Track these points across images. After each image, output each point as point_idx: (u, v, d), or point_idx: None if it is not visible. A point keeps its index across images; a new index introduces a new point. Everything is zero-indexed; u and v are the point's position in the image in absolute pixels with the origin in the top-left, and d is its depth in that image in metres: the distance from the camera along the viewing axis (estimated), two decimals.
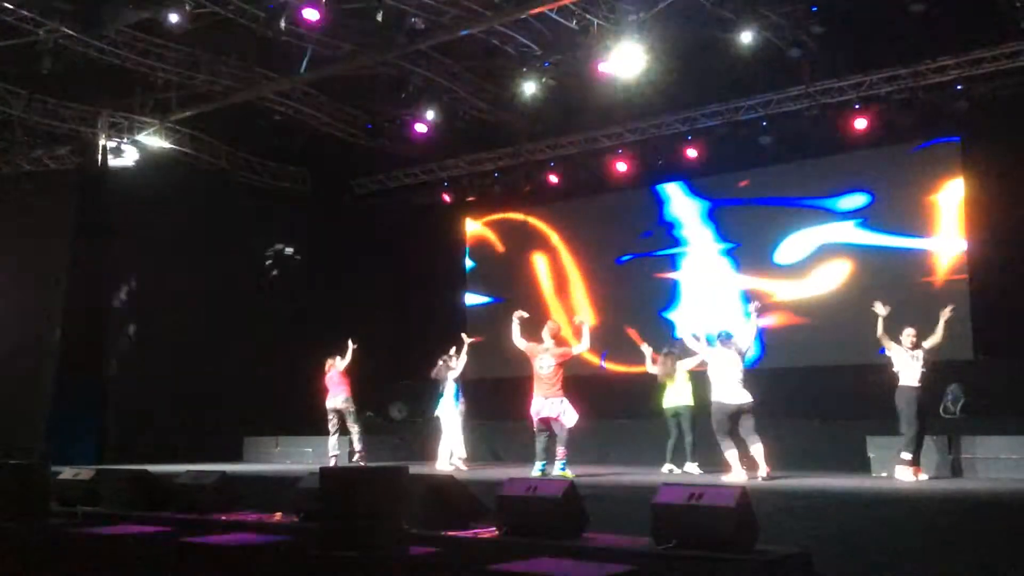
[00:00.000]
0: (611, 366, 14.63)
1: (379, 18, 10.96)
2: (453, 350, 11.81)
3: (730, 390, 9.46)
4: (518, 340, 10.04)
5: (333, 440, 12.10)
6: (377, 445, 12.63)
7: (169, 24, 11.48)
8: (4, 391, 13.63)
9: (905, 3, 10.44)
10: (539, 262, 15.75)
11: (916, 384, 9.26)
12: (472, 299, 16.44)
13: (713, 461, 10.21)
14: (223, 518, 7.25)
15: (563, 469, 9.61)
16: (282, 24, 10.85)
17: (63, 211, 14.41)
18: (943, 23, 10.99)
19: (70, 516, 7.90)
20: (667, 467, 10.47)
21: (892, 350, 9.38)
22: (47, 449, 12.89)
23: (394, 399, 15.39)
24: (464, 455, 11.65)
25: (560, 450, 9.72)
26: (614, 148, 14.26)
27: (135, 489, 8.30)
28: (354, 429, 12.07)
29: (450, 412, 11.62)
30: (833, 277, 12.95)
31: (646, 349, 10.90)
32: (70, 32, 11.71)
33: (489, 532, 6.00)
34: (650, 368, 10.82)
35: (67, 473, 8.92)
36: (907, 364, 9.31)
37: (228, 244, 15.08)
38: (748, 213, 13.74)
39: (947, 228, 12.24)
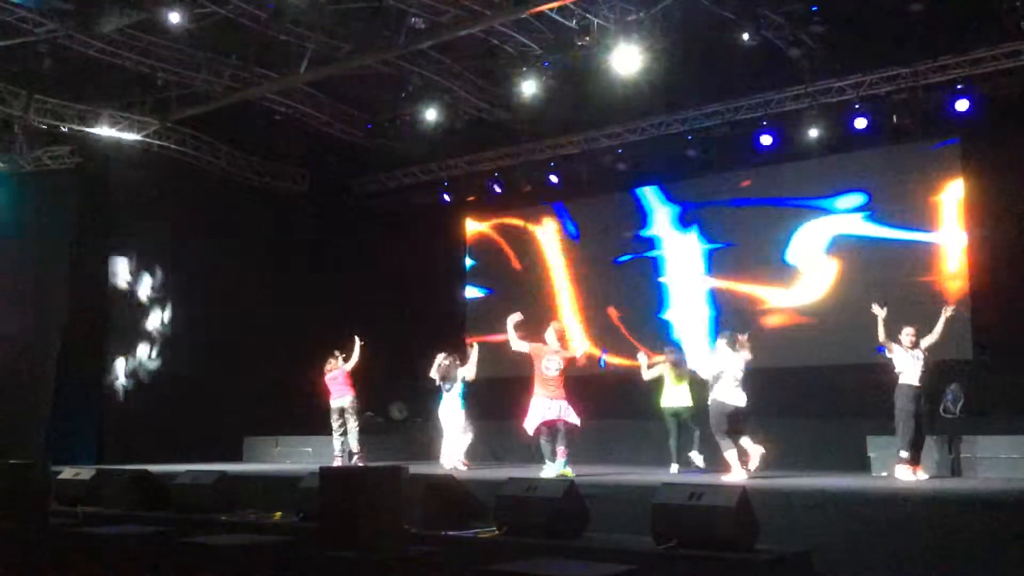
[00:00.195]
0: (611, 360, 14.62)
1: (378, 6, 10.95)
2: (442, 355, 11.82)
3: (729, 391, 9.48)
4: (518, 344, 9.97)
5: (339, 441, 12.02)
6: (377, 445, 12.62)
7: (169, 24, 11.49)
8: (4, 391, 13.63)
9: (905, 3, 10.43)
10: (539, 262, 15.73)
11: (915, 383, 9.27)
12: (472, 299, 16.43)
13: (712, 460, 10.23)
14: (223, 518, 7.27)
15: (565, 467, 9.62)
16: None
17: (64, 211, 14.41)
18: (943, 23, 10.97)
19: (70, 516, 7.91)
20: (675, 467, 10.44)
21: (893, 351, 9.40)
22: (47, 449, 12.90)
23: (394, 399, 15.39)
24: (462, 456, 11.66)
25: (561, 449, 9.71)
26: (614, 148, 14.25)
27: (135, 489, 8.32)
28: (354, 430, 12.05)
29: (455, 412, 11.62)
30: (832, 277, 12.94)
31: (642, 357, 10.89)
32: (70, 32, 11.71)
33: (489, 532, 6.01)
34: (646, 375, 10.82)
35: (67, 473, 8.94)
36: (907, 363, 9.34)
37: (228, 244, 15.08)
38: (749, 213, 13.71)
39: (947, 228, 12.22)
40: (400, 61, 12.74)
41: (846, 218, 12.90)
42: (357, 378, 12.19)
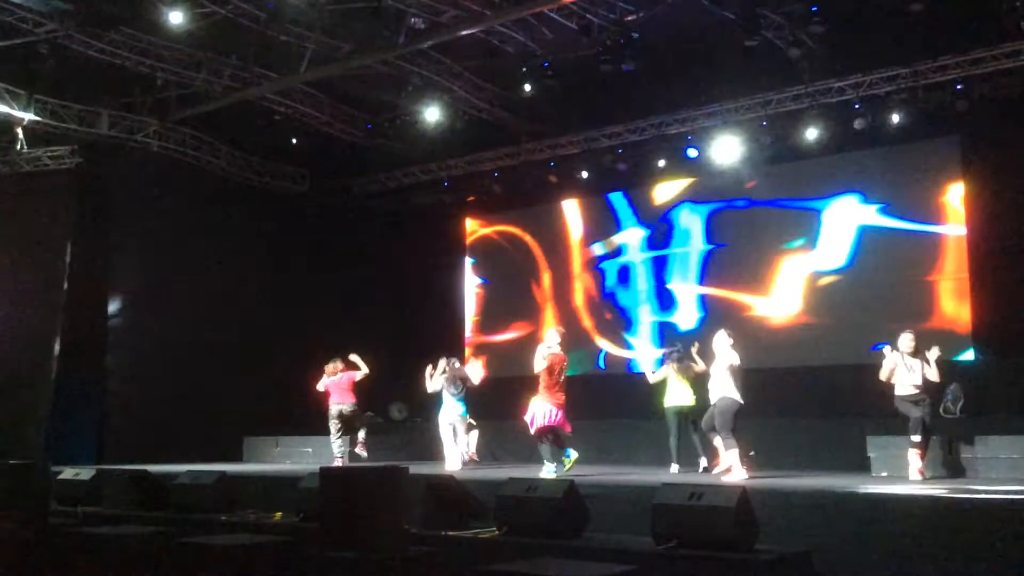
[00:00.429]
0: (610, 351, 14.64)
1: (378, 6, 10.95)
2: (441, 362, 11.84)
3: (737, 389, 9.49)
4: (541, 364, 9.98)
5: (339, 443, 12.00)
6: (377, 445, 12.62)
7: (169, 24, 11.49)
8: (4, 391, 13.62)
9: (905, 3, 10.43)
10: (539, 262, 15.74)
11: (907, 394, 9.22)
12: (472, 299, 16.44)
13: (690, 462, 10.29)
14: (223, 518, 7.26)
15: (569, 455, 9.74)
16: None
17: (63, 211, 14.40)
18: (943, 23, 10.98)
19: (70, 516, 7.91)
20: (675, 467, 10.44)
21: (889, 360, 9.33)
22: (47, 449, 12.89)
23: (394, 399, 15.39)
24: (472, 451, 11.69)
25: (557, 442, 9.82)
26: (614, 148, 14.25)
27: (135, 489, 8.32)
28: (362, 432, 12.08)
29: (459, 416, 11.63)
30: (832, 277, 12.94)
31: (646, 364, 10.90)
32: (70, 32, 11.71)
33: (489, 532, 6.00)
34: (652, 378, 10.82)
35: (67, 473, 8.93)
36: (902, 373, 9.28)
37: (228, 244, 15.07)
38: (750, 214, 13.72)
39: (947, 228, 12.23)
40: (400, 61, 12.74)
41: (845, 219, 12.90)
42: (359, 383, 12.16)
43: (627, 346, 14.57)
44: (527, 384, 10.15)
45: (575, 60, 12.03)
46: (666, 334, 13.81)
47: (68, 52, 12.16)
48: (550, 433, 9.84)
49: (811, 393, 11.97)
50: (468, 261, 16.61)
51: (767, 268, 13.42)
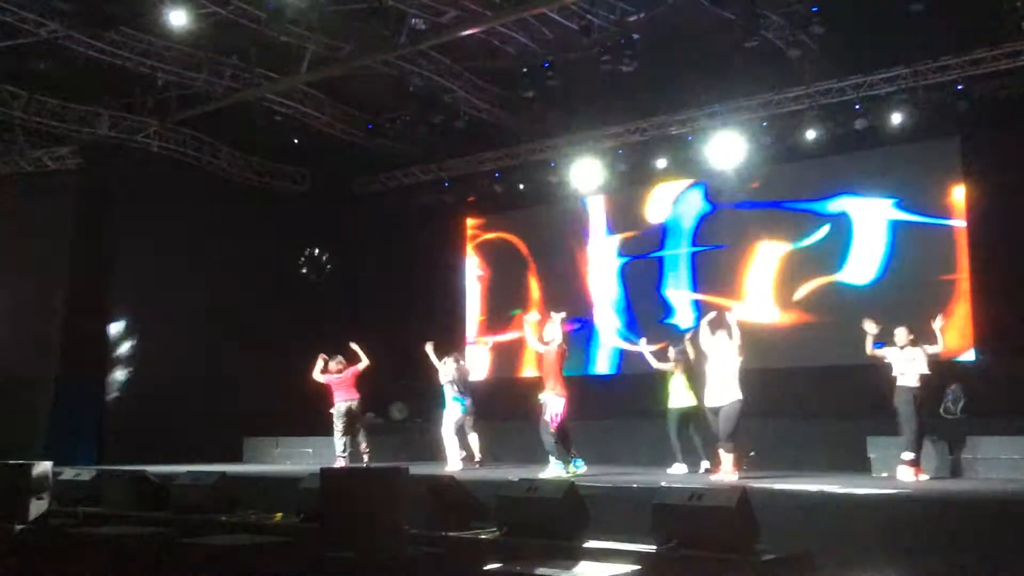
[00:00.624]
0: (611, 351, 14.64)
1: (378, 7, 10.96)
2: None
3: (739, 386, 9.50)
4: (535, 343, 9.95)
5: (341, 442, 11.96)
6: (378, 446, 12.62)
7: (170, 24, 11.49)
8: (4, 391, 13.61)
9: (905, 3, 10.43)
10: (540, 262, 15.74)
11: (912, 384, 9.24)
12: (473, 299, 16.43)
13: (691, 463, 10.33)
14: (223, 519, 7.26)
15: (578, 466, 9.85)
16: None
17: (63, 211, 14.40)
18: (943, 23, 10.98)
19: (70, 516, 7.91)
20: (682, 467, 10.41)
21: (887, 355, 9.38)
22: (47, 450, 12.88)
23: (395, 399, 15.39)
24: (460, 459, 11.67)
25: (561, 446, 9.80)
26: (615, 148, 14.25)
27: (135, 490, 8.31)
28: (361, 431, 12.06)
29: (461, 415, 11.63)
30: (831, 277, 12.93)
31: (644, 344, 10.88)
32: (71, 32, 11.71)
33: (489, 532, 6.00)
34: (659, 364, 10.79)
35: (67, 474, 8.93)
36: (901, 364, 9.31)
37: (228, 244, 15.06)
38: (750, 215, 13.71)
39: (946, 229, 12.22)
40: (400, 61, 12.74)
41: (844, 219, 12.90)
42: (362, 378, 12.16)
43: (629, 344, 14.54)
44: (527, 384, 10.14)
45: (576, 61, 12.04)
46: (667, 335, 13.78)
47: (69, 52, 12.16)
48: (561, 430, 9.82)
49: (811, 394, 11.96)
50: (469, 261, 16.60)
51: (765, 269, 13.42)
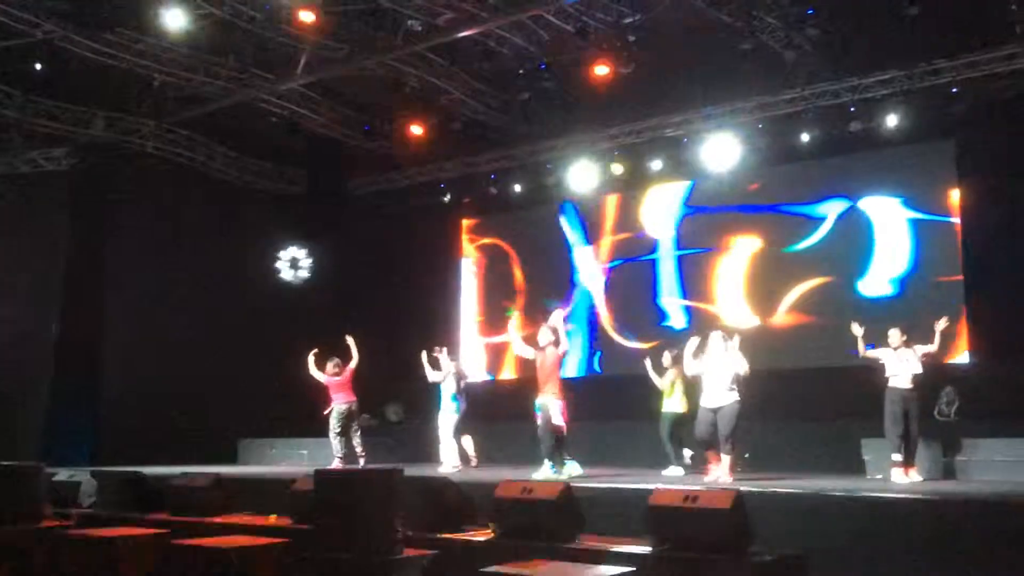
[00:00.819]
0: (607, 353, 14.64)
1: (375, 9, 10.97)
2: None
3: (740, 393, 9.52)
4: (523, 348, 9.93)
5: (339, 442, 11.93)
6: (373, 447, 12.60)
7: (166, 26, 11.49)
8: (0, 392, 13.61)
9: (901, 6, 10.46)
10: (538, 263, 15.74)
11: (903, 386, 9.25)
12: (469, 300, 16.43)
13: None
14: (218, 520, 7.26)
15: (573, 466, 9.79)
16: None
17: (59, 212, 14.39)
18: (938, 26, 11.01)
19: (65, 518, 7.90)
20: (679, 469, 10.43)
21: (881, 356, 9.39)
22: (42, 451, 12.87)
23: (391, 401, 15.38)
24: (473, 454, 11.70)
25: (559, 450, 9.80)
26: (611, 150, 14.26)
27: (130, 491, 8.31)
28: (357, 432, 12.04)
29: (455, 414, 11.64)
30: (825, 278, 12.95)
31: (648, 363, 10.88)
32: (68, 33, 11.71)
33: (484, 534, 6.01)
34: (659, 382, 10.80)
35: (62, 475, 8.92)
36: (895, 365, 9.33)
37: (225, 245, 15.06)
38: (746, 217, 13.73)
39: (942, 231, 12.25)
40: (397, 63, 12.75)
41: (841, 221, 12.92)
42: (355, 379, 12.14)
43: (625, 348, 14.55)
44: (526, 384, 10.12)
45: (571, 63, 12.05)
46: (664, 337, 13.80)
47: (65, 53, 12.14)
48: (559, 433, 9.83)
49: (806, 395, 11.96)
50: (465, 263, 16.60)
51: (762, 270, 13.43)
